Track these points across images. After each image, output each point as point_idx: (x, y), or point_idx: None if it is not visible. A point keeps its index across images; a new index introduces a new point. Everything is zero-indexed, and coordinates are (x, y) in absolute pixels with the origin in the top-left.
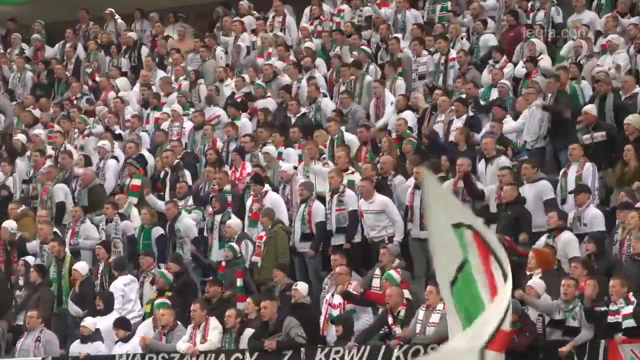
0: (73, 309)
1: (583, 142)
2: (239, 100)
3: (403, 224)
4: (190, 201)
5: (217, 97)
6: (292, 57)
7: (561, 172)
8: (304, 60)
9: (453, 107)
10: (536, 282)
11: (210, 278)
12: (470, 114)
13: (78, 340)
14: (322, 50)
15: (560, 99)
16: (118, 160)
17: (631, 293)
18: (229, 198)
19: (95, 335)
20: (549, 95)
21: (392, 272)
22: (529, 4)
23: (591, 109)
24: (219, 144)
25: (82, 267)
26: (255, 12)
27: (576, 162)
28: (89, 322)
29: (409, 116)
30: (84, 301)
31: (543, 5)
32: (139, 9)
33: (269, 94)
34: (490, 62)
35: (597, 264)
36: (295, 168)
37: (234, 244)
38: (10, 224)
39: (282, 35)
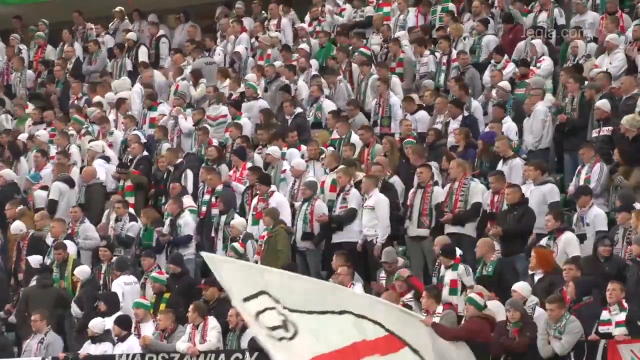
0: (75, 310)
1: (591, 138)
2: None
3: (388, 226)
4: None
5: (213, 98)
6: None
7: (576, 172)
8: (299, 61)
9: None
10: (521, 285)
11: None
12: (466, 114)
13: (89, 341)
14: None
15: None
16: (108, 161)
17: (623, 299)
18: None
19: (104, 336)
20: (573, 96)
21: (400, 271)
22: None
23: (603, 104)
24: (215, 142)
25: (80, 271)
26: (264, 12)
27: (588, 163)
28: (95, 324)
29: (423, 116)
30: (88, 302)
31: (545, 7)
32: (137, 10)
33: (259, 94)
34: (492, 62)
35: (607, 266)
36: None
37: (236, 245)
38: (18, 225)
39: (281, 36)
